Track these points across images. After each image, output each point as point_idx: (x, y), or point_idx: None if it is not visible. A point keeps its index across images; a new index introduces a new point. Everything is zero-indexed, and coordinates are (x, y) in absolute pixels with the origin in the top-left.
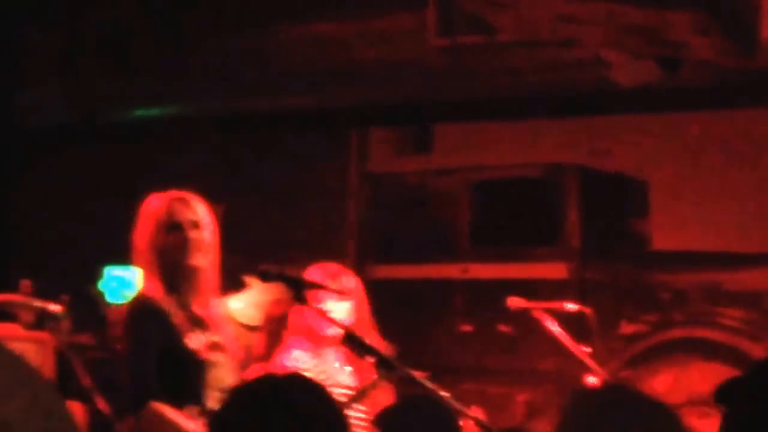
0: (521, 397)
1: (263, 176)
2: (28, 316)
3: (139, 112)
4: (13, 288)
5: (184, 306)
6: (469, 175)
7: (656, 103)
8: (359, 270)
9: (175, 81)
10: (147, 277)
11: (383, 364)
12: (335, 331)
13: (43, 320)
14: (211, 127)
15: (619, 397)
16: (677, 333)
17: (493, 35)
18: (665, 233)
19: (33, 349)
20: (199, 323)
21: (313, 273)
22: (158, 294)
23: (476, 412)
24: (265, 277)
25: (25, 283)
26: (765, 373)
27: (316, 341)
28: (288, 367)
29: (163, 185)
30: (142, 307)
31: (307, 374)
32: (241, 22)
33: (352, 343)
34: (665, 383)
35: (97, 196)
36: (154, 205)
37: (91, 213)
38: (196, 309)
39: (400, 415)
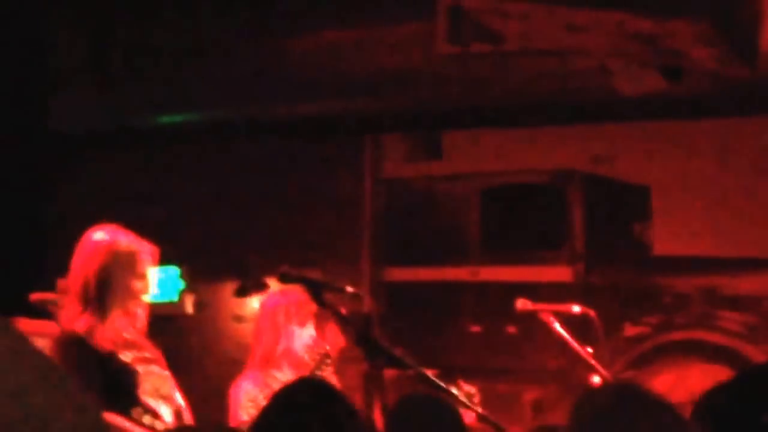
0: (528, 396)
1: (279, 182)
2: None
3: (164, 119)
4: (50, 286)
5: (109, 327)
6: (479, 181)
7: (659, 111)
8: (374, 272)
9: (198, 89)
10: (76, 309)
11: (395, 363)
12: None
13: None
14: (228, 134)
15: (628, 396)
16: (678, 335)
17: (501, 44)
18: (667, 238)
19: None
20: (129, 344)
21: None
22: (86, 326)
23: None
24: (285, 279)
25: (61, 282)
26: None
27: (265, 362)
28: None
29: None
30: (73, 343)
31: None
32: (259, 31)
33: (364, 343)
34: (666, 384)
35: (131, 199)
36: (124, 249)
37: (124, 214)
38: (123, 331)
39: (406, 411)
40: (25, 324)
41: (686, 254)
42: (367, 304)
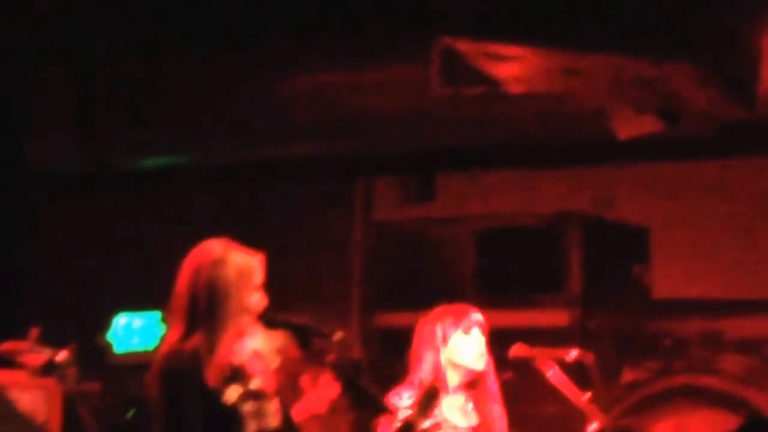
0: None
1: (269, 224)
2: (35, 364)
3: (149, 162)
4: (21, 335)
5: (221, 353)
6: (473, 224)
7: (657, 153)
8: (364, 317)
9: (185, 130)
10: (177, 330)
11: (385, 411)
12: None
13: (50, 368)
14: (219, 176)
15: None
16: (678, 380)
17: (496, 87)
18: (666, 281)
19: (40, 396)
20: (237, 373)
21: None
22: (189, 347)
23: None
24: (270, 324)
25: (33, 331)
26: None
27: (439, 382)
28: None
29: (171, 234)
30: (176, 378)
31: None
32: (249, 72)
33: (353, 391)
34: (667, 430)
35: (107, 245)
36: (238, 261)
37: (100, 261)
38: (233, 357)
39: None
40: None
41: (686, 297)
42: (357, 350)
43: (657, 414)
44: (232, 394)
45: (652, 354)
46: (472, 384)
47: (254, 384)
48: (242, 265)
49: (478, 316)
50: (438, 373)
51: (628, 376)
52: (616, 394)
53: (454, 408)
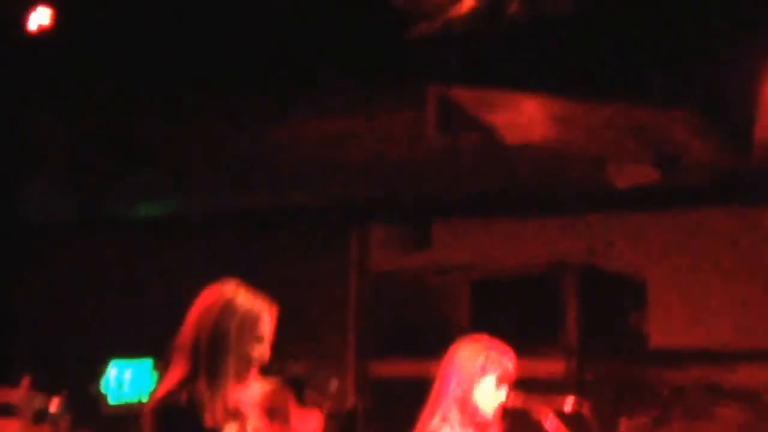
0: None
1: (263, 272)
2: (27, 412)
3: (140, 210)
4: (13, 383)
5: (220, 398)
6: (469, 273)
7: (654, 202)
8: (359, 366)
9: (177, 178)
10: (178, 371)
11: None
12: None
13: (43, 416)
14: (212, 224)
15: None
16: (676, 429)
17: (491, 134)
18: (663, 330)
19: None
20: (234, 413)
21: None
22: (188, 393)
23: None
24: (265, 372)
25: (26, 379)
26: None
27: (463, 413)
28: None
29: (163, 282)
30: (171, 417)
31: None
32: (242, 120)
33: None
34: None
35: (99, 292)
36: (244, 308)
37: (92, 308)
38: (230, 398)
39: None
40: None
41: (683, 346)
42: (352, 400)
43: None
44: (231, 430)
45: (649, 403)
46: (480, 426)
47: (250, 425)
48: (249, 313)
49: (512, 368)
50: (465, 404)
51: (625, 425)
52: None
53: None
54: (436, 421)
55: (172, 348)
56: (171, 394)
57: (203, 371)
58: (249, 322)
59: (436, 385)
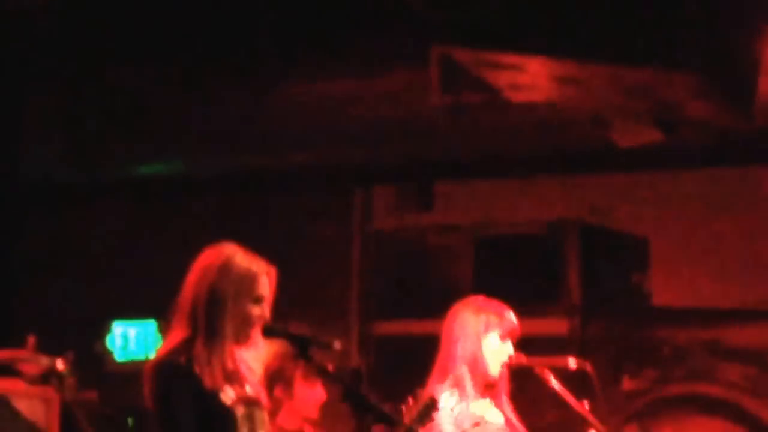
0: None
1: (266, 233)
2: (33, 372)
3: (142, 171)
4: (18, 344)
5: (218, 359)
6: (471, 232)
7: (656, 162)
8: (362, 326)
9: (178, 140)
10: (178, 332)
11: (384, 419)
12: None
13: (48, 376)
14: (214, 186)
15: None
16: (678, 389)
17: (494, 95)
18: (666, 289)
19: (38, 404)
20: (233, 376)
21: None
22: (188, 353)
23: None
24: (269, 333)
25: (31, 339)
26: None
27: (475, 371)
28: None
29: (165, 244)
30: (172, 375)
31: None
32: (244, 81)
33: (352, 399)
34: None
35: (102, 253)
36: (241, 269)
37: (96, 269)
38: (229, 360)
39: None
40: None
41: (686, 306)
42: (355, 359)
43: (656, 422)
44: (229, 394)
45: (651, 362)
46: (489, 386)
47: (248, 390)
48: (246, 274)
49: (515, 324)
50: (475, 362)
51: (627, 384)
52: (615, 402)
53: (484, 407)
54: (447, 384)
55: (173, 310)
56: (171, 354)
57: (202, 332)
58: (246, 283)
59: (443, 350)
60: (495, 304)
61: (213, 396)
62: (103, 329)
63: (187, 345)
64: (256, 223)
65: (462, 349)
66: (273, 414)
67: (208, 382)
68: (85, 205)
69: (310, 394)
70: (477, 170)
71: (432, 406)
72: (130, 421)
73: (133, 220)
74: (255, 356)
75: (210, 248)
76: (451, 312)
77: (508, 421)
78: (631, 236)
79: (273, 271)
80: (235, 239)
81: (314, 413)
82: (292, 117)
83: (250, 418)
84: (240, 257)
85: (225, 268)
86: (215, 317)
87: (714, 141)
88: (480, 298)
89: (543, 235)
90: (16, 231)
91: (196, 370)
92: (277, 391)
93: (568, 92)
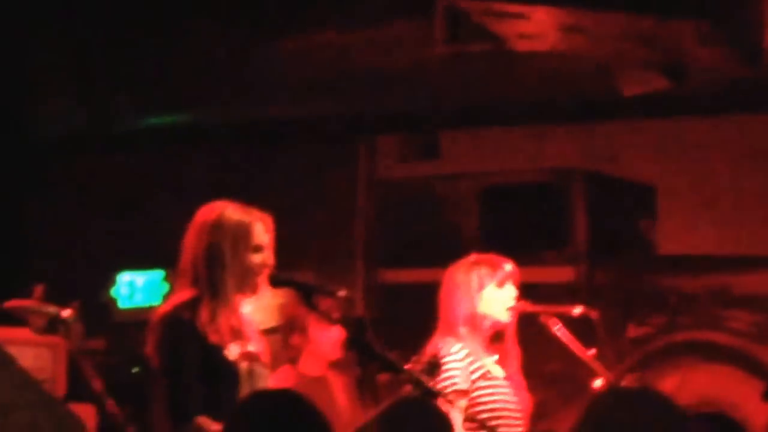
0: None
1: (272, 183)
2: (39, 321)
3: (149, 122)
4: (25, 293)
5: (223, 316)
6: (477, 181)
7: (662, 110)
8: (368, 274)
9: (185, 91)
10: (184, 288)
11: (389, 367)
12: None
13: (55, 325)
14: (220, 136)
15: (635, 400)
16: (684, 336)
17: (499, 44)
18: (672, 237)
19: (45, 353)
20: (236, 333)
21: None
22: (193, 311)
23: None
24: (274, 282)
25: (38, 289)
26: None
27: (475, 330)
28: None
29: (172, 194)
30: (177, 328)
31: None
32: (250, 32)
33: (357, 347)
34: (672, 386)
35: (109, 204)
36: (233, 222)
37: (103, 219)
38: (233, 318)
39: (399, 416)
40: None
41: (692, 253)
42: (360, 307)
43: (662, 369)
44: (233, 350)
45: (657, 310)
46: (495, 338)
47: (251, 346)
48: (238, 227)
49: (511, 268)
50: (474, 320)
51: (633, 332)
52: (621, 350)
53: (490, 362)
54: (449, 339)
55: (173, 270)
56: (176, 309)
57: (206, 291)
58: (242, 234)
59: (442, 313)
60: (486, 257)
61: (217, 351)
62: (111, 279)
63: (192, 303)
64: (263, 173)
65: (460, 310)
66: (294, 362)
67: (212, 338)
68: (94, 157)
69: (328, 336)
70: (482, 118)
71: (436, 365)
72: (135, 369)
73: (141, 170)
74: (262, 305)
75: (203, 207)
76: (446, 275)
77: (509, 376)
78: (638, 184)
79: (268, 218)
80: (241, 189)
81: (336, 354)
82: (298, 67)
83: (252, 375)
84: (231, 211)
85: (218, 225)
86: (216, 275)
87: (721, 88)
88: (472, 256)
89: (549, 183)
90: (26, 184)
91: (201, 326)
92: (294, 339)
93: (573, 41)
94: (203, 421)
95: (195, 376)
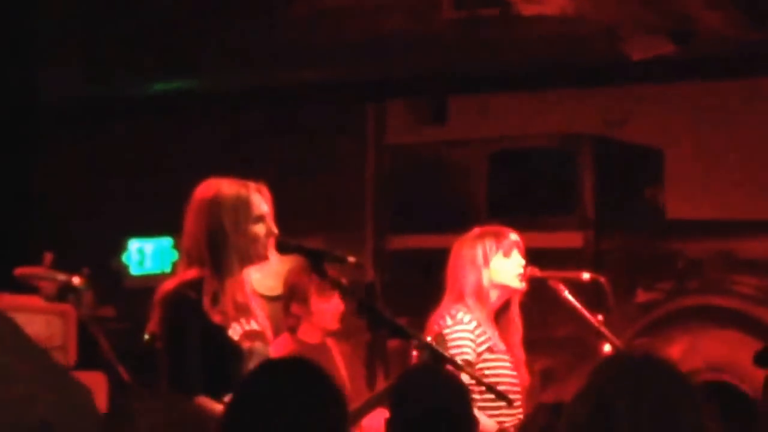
0: (538, 366)
1: (281, 149)
2: (50, 288)
3: (158, 87)
4: (35, 261)
5: (228, 294)
6: (486, 146)
7: (669, 74)
8: (377, 240)
9: (192, 56)
10: (189, 273)
11: (398, 333)
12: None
13: (65, 292)
14: (229, 101)
15: (642, 365)
16: (692, 301)
17: (507, 8)
18: (680, 202)
19: (55, 321)
20: (241, 309)
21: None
22: (197, 289)
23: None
24: (283, 249)
25: (48, 256)
26: None
27: (481, 302)
28: (448, 325)
29: (182, 160)
30: (180, 307)
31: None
32: None
33: (367, 313)
34: (680, 351)
35: (118, 170)
36: (231, 196)
37: (112, 186)
38: (238, 295)
39: (410, 383)
40: (9, 299)
41: (700, 218)
42: (370, 273)
43: (670, 334)
44: (237, 330)
45: (665, 275)
46: (497, 314)
47: (253, 324)
48: (235, 200)
49: (515, 237)
50: (480, 292)
51: (641, 297)
52: (629, 315)
53: (494, 335)
54: (459, 307)
55: (180, 256)
56: (181, 286)
57: (210, 270)
58: (241, 206)
59: (449, 286)
60: (491, 228)
61: (221, 332)
62: (120, 246)
63: (197, 282)
64: (271, 139)
65: (467, 282)
66: (293, 330)
67: (217, 318)
68: (102, 124)
69: (327, 307)
70: (491, 83)
71: (441, 342)
72: (146, 336)
73: (150, 137)
74: (271, 271)
75: (197, 189)
76: (452, 249)
77: (510, 350)
78: (645, 148)
79: (264, 187)
80: (248, 156)
81: (334, 324)
82: (305, 32)
83: (253, 353)
84: (226, 186)
85: (215, 202)
86: (219, 253)
87: (727, 52)
88: (476, 229)
89: (557, 148)
90: (34, 150)
91: (206, 306)
92: (295, 308)
93: (580, 5)
94: (204, 401)
95: (197, 356)
